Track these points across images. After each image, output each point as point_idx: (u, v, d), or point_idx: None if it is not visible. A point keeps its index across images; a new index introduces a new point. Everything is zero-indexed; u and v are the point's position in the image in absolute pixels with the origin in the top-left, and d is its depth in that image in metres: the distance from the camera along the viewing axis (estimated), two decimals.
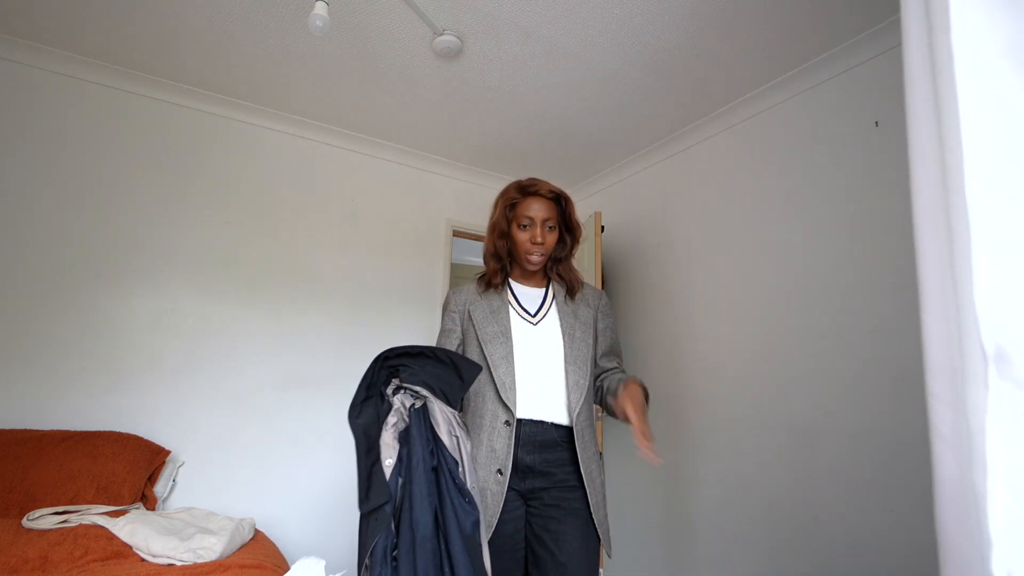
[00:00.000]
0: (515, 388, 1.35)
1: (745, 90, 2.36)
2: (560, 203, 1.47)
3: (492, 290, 1.48)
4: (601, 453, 1.47)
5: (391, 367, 1.19)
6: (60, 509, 1.73)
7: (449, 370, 1.22)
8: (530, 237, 1.43)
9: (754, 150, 2.40)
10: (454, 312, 1.48)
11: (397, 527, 1.07)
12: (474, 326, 1.42)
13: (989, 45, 0.56)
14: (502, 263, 1.49)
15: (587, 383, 1.39)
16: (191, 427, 2.34)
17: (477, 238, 3.24)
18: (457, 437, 1.18)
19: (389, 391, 1.18)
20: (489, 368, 1.36)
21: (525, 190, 1.45)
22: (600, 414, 2.51)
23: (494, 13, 1.95)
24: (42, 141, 2.23)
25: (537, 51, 2.16)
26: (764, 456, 2.18)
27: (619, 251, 3.12)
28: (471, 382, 1.25)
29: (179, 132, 2.51)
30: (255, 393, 2.51)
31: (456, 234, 3.28)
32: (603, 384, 1.49)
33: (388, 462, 1.10)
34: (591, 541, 1.33)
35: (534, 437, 1.34)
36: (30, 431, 1.97)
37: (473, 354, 1.41)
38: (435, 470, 1.13)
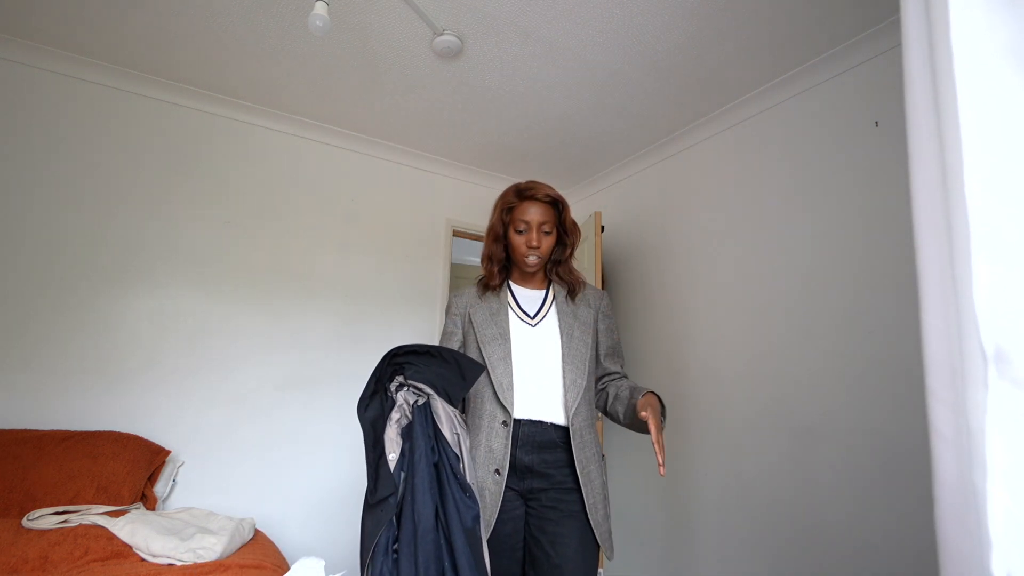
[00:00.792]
0: (513, 389, 1.35)
1: (745, 90, 2.36)
2: (557, 207, 1.47)
3: (491, 293, 1.49)
4: (603, 455, 1.47)
5: (397, 364, 1.22)
6: (60, 509, 1.73)
7: (453, 369, 1.25)
8: (526, 241, 1.43)
9: (754, 150, 2.40)
10: (455, 315, 1.50)
11: (399, 520, 1.10)
12: (474, 328, 1.43)
13: (989, 45, 0.56)
14: (499, 266, 1.50)
15: (585, 383, 1.39)
16: (191, 427, 2.34)
17: (477, 238, 3.24)
18: (458, 434, 1.21)
19: (393, 387, 1.20)
20: (488, 369, 1.37)
21: (522, 194, 1.45)
22: (600, 415, 2.51)
23: (494, 13, 1.95)
24: (40, 140, 2.23)
25: (537, 51, 2.16)
26: (765, 456, 2.18)
27: (619, 251, 3.12)
28: (473, 382, 1.28)
29: (178, 132, 2.51)
30: (255, 393, 2.51)
31: (456, 234, 3.28)
32: (607, 389, 1.49)
33: (391, 456, 1.13)
34: (589, 543, 1.33)
35: (533, 437, 1.34)
36: (30, 431, 1.97)
37: (472, 356, 1.42)
38: (436, 465, 1.16)
